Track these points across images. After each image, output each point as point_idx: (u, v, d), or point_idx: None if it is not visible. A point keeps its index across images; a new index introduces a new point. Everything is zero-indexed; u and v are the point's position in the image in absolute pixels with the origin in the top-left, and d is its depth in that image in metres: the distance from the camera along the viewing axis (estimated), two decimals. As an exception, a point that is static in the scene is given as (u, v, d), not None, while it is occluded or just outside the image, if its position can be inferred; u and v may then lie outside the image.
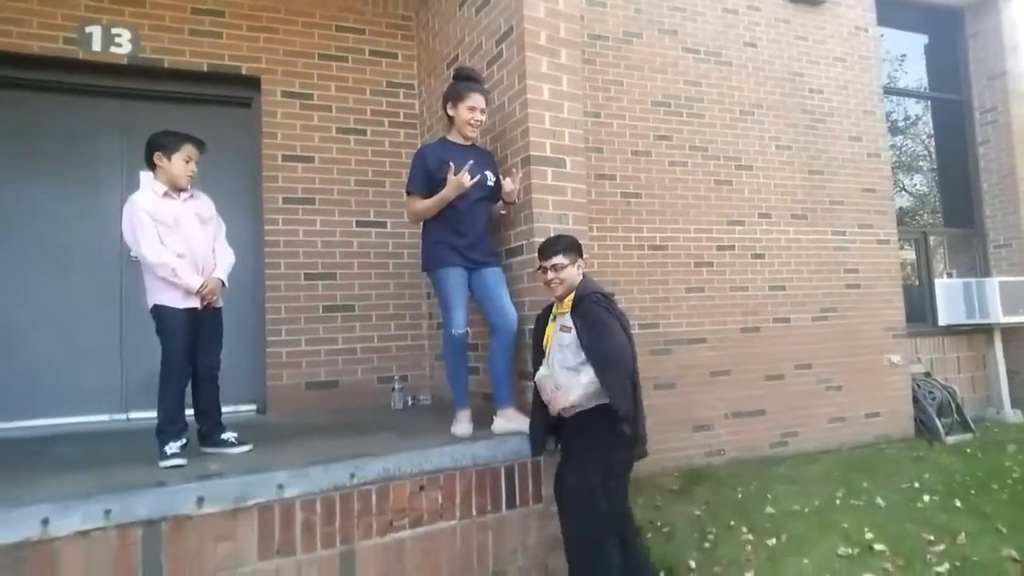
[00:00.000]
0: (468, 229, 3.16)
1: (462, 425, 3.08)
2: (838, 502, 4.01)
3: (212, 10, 4.26)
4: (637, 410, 2.55)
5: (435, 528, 2.68)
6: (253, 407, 4.24)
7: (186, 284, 2.66)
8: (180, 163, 2.73)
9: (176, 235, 2.69)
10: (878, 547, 3.32)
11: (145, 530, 2.14)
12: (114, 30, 4.04)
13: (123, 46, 4.06)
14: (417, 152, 3.33)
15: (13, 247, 3.96)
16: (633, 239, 4.95)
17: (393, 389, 4.16)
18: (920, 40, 7.48)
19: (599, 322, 2.55)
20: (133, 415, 3.99)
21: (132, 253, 2.69)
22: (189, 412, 2.75)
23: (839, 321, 5.66)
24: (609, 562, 2.52)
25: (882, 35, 6.57)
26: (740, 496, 4.16)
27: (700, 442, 4.95)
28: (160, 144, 2.74)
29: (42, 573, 2.01)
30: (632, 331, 2.68)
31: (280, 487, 2.38)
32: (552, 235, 2.92)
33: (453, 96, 3.21)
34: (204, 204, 2.89)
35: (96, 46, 4.01)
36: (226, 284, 2.87)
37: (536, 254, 2.88)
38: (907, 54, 7.67)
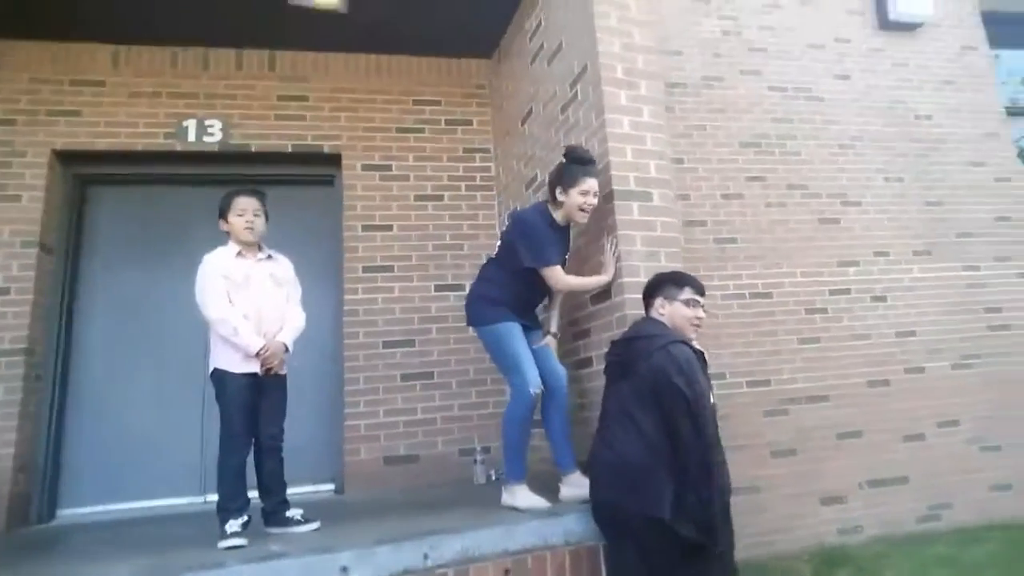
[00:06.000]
0: (537, 297, 3.12)
1: (531, 498, 2.75)
2: (1024, 592, 3.24)
3: (296, 95, 4.47)
4: None
5: (523, 620, 2.32)
6: (331, 486, 4.06)
7: (245, 344, 2.55)
8: (236, 219, 2.72)
9: (244, 293, 2.62)
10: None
11: (198, 618, 1.94)
12: (207, 122, 4.31)
13: (215, 135, 4.31)
14: (528, 223, 2.94)
15: (118, 330, 4.13)
16: (731, 287, 4.51)
17: (475, 462, 3.87)
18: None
19: None
20: (210, 498, 3.88)
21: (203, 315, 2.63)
22: (254, 494, 2.59)
23: (986, 369, 4.83)
24: None
25: (996, 55, 5.97)
26: (892, 584, 3.46)
27: (831, 517, 4.24)
28: (219, 210, 2.78)
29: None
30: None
31: (344, 569, 2.14)
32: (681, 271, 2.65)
33: (566, 180, 2.91)
34: (282, 266, 2.83)
35: (191, 137, 4.27)
36: (290, 349, 2.72)
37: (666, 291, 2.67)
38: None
